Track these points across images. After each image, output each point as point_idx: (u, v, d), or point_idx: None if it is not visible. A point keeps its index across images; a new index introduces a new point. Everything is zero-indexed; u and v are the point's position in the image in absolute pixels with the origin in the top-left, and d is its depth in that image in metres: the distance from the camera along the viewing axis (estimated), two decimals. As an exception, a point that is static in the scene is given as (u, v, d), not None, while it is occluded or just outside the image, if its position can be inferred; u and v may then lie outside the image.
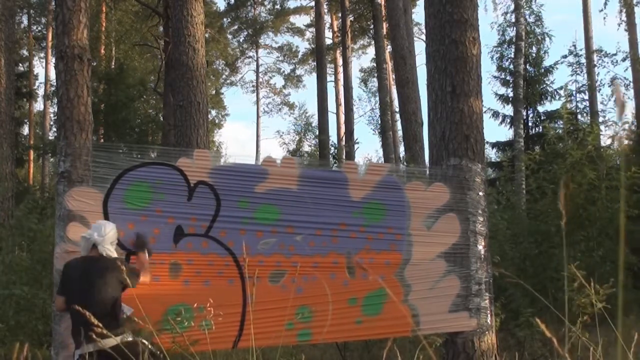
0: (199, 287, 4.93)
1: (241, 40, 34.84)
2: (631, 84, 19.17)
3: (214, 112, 32.68)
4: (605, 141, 11.96)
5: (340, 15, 27.66)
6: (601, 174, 8.83)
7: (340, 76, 29.96)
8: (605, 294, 5.03)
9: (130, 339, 4.27)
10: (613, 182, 8.93)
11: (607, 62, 19.02)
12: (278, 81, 57.30)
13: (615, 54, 19.04)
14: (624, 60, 19.22)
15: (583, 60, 19.33)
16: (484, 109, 12.43)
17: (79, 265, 4.44)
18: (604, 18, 29.55)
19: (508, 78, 17.99)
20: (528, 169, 9.79)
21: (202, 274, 4.99)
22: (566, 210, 1.67)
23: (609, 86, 18.74)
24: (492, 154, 19.44)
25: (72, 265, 4.48)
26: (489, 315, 5.62)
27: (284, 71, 36.31)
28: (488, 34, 64.45)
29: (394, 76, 19.30)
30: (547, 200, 8.94)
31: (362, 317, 5.30)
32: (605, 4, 18.68)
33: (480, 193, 5.75)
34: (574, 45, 18.85)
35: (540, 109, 17.73)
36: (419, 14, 27.59)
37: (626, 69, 31.87)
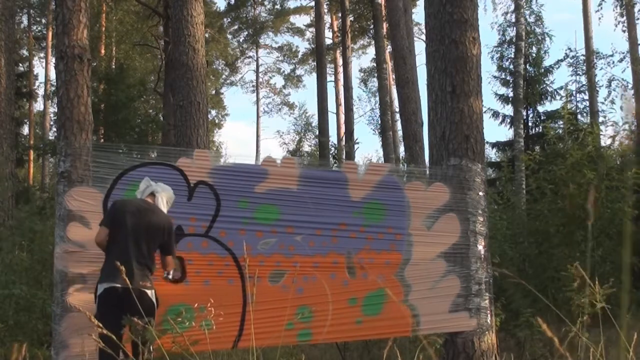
0: (199, 287, 4.93)
1: (241, 40, 34.87)
2: (630, 84, 19.17)
3: (214, 112, 32.70)
4: (605, 141, 11.94)
5: (340, 15, 27.66)
6: (601, 174, 8.82)
7: (340, 76, 29.95)
8: (605, 294, 5.02)
9: (151, 292, 4.42)
10: (613, 182, 8.92)
11: (604, 64, 19.01)
12: (278, 81, 57.25)
13: (611, 55, 19.04)
14: (620, 61, 19.23)
15: (582, 61, 19.32)
16: (484, 109, 12.43)
17: (137, 205, 4.51)
18: (599, 19, 29.46)
19: (508, 78, 17.98)
20: (528, 169, 9.78)
21: (202, 274, 4.99)
22: (567, 210, 1.67)
23: (607, 87, 18.73)
24: (492, 154, 19.45)
25: (129, 202, 4.56)
26: (489, 315, 5.62)
27: (284, 71, 36.35)
28: (488, 34, 64.50)
29: (394, 76, 19.29)
30: (547, 200, 8.93)
31: (362, 317, 5.30)
32: (600, 4, 18.65)
33: (480, 193, 5.75)
34: (570, 49, 18.86)
35: (540, 109, 17.73)
36: (419, 14, 27.63)
37: (624, 70, 31.92)
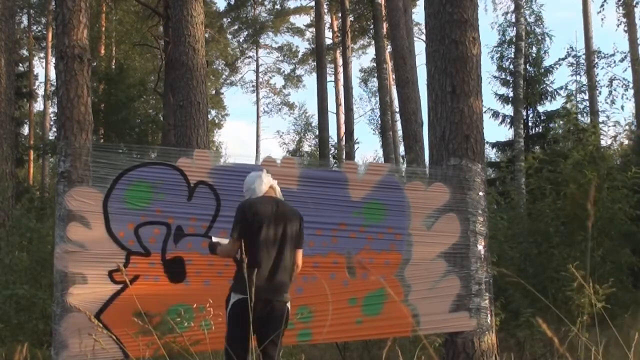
0: (199, 287, 4.93)
1: (241, 40, 34.85)
2: (630, 84, 19.16)
3: (214, 112, 32.69)
4: (606, 141, 11.95)
5: (340, 15, 27.66)
6: (602, 174, 8.82)
7: (340, 76, 29.95)
8: (605, 294, 5.03)
9: (288, 301, 4.16)
10: (614, 182, 8.92)
11: (604, 64, 18.99)
12: (278, 81, 57.25)
13: (613, 55, 19.02)
14: (622, 60, 19.22)
15: (583, 60, 19.32)
16: (484, 109, 12.40)
17: (269, 204, 4.16)
18: (602, 19, 29.48)
19: (508, 78, 17.96)
20: (531, 168, 9.76)
21: (202, 274, 4.99)
22: (567, 210, 1.67)
23: (607, 87, 18.71)
24: (492, 154, 19.44)
25: (258, 206, 4.15)
26: (489, 315, 5.62)
27: (284, 71, 36.32)
28: (488, 34, 64.46)
29: (394, 76, 19.29)
30: (548, 201, 8.93)
31: (362, 317, 5.30)
32: (602, 6, 18.62)
33: (480, 193, 5.75)
34: (572, 47, 18.87)
35: (540, 109, 17.70)
36: (419, 14, 27.61)
37: (625, 70, 31.91)
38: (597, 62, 19.20)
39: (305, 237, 5.16)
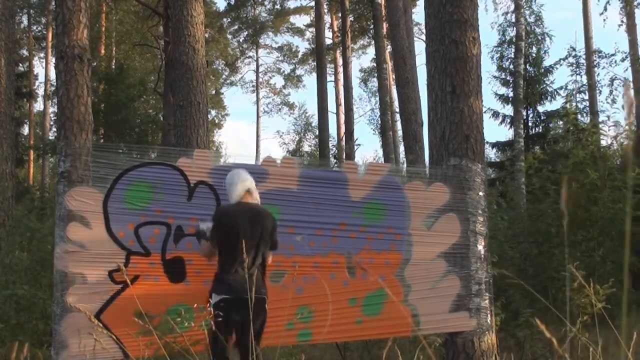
0: (199, 287, 4.92)
1: (241, 40, 34.87)
2: (631, 83, 19.16)
3: (214, 112, 32.70)
4: (607, 141, 11.94)
5: (340, 15, 27.66)
6: (603, 174, 8.82)
7: (340, 76, 29.96)
8: (605, 294, 5.03)
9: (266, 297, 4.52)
10: (615, 182, 8.93)
11: (606, 63, 18.98)
12: (278, 81, 57.33)
13: (614, 54, 19.02)
14: (623, 60, 19.22)
15: (583, 60, 19.32)
16: (484, 109, 12.40)
17: (244, 212, 4.52)
18: (604, 20, 29.47)
19: (508, 78, 17.98)
20: (532, 168, 9.75)
21: (202, 274, 4.98)
22: (568, 210, 1.67)
23: (608, 87, 18.71)
24: (492, 154, 19.45)
25: (233, 211, 4.56)
26: (489, 315, 5.62)
27: (284, 71, 36.34)
28: (488, 34, 64.44)
29: (394, 76, 19.29)
30: (549, 201, 8.94)
31: (362, 317, 5.29)
32: (606, 7, 18.64)
33: (480, 193, 5.75)
34: (573, 48, 18.86)
35: (540, 109, 17.73)
36: (419, 14, 27.62)
37: (626, 69, 31.85)
38: (598, 62, 19.20)
39: (305, 237, 5.19)
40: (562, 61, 18.40)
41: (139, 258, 4.87)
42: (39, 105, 31.06)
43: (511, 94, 17.36)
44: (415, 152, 14.43)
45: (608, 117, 18.14)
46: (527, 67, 17.28)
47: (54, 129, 24.39)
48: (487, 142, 17.22)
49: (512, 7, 18.02)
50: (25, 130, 26.93)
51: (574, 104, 17.06)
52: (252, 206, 4.60)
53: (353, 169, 5.64)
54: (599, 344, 2.93)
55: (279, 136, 50.46)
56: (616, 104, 18.18)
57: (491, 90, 21.25)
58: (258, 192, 4.74)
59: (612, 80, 18.68)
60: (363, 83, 33.72)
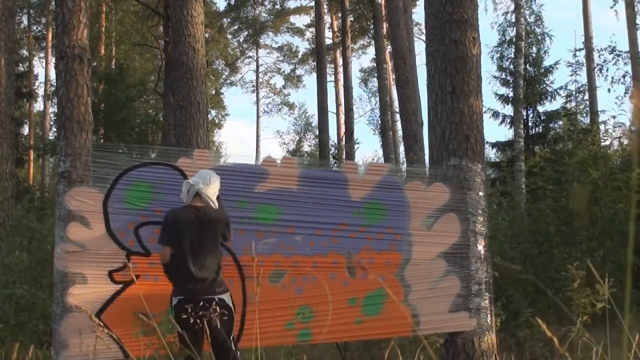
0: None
1: (241, 40, 34.86)
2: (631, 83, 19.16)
3: (214, 112, 32.70)
4: (610, 141, 11.92)
5: (340, 15, 27.66)
6: (605, 174, 8.82)
7: (340, 76, 29.96)
8: (606, 294, 5.02)
9: (226, 295, 4.55)
10: (616, 182, 8.93)
11: (612, 59, 18.92)
12: (278, 81, 57.29)
13: (619, 55, 19.02)
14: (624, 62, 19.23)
15: (583, 60, 19.31)
16: (484, 109, 12.41)
17: (188, 215, 4.57)
18: (616, 14, 29.25)
19: (508, 78, 17.96)
20: (536, 167, 9.73)
21: (202, 274, 4.98)
22: (576, 209, 1.67)
23: (622, 83, 18.62)
24: (492, 154, 19.43)
25: (180, 215, 4.60)
26: (489, 315, 5.62)
27: (284, 71, 36.34)
28: (488, 34, 64.44)
29: (394, 76, 19.29)
30: (550, 201, 8.94)
31: (362, 317, 5.29)
32: (613, 6, 18.63)
33: (480, 193, 5.75)
34: (576, 49, 18.87)
35: (540, 109, 17.71)
36: (419, 14, 27.62)
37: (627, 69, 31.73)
38: (606, 59, 19.15)
39: (305, 237, 5.19)
40: (561, 61, 18.41)
41: (139, 258, 4.86)
42: (39, 105, 31.10)
43: (511, 94, 17.35)
44: (415, 152, 14.44)
45: (614, 116, 18.13)
46: (527, 67, 17.27)
47: (54, 129, 24.40)
48: (487, 142, 17.22)
49: (512, 7, 18.03)
50: (25, 130, 26.93)
51: (574, 103, 17.05)
52: (202, 208, 4.60)
53: (353, 169, 5.63)
54: (606, 343, 2.92)
55: (279, 136, 50.48)
56: (624, 104, 18.17)
57: (491, 90, 21.22)
58: (216, 192, 4.73)
59: (623, 76, 18.65)
60: (363, 83, 33.76)
